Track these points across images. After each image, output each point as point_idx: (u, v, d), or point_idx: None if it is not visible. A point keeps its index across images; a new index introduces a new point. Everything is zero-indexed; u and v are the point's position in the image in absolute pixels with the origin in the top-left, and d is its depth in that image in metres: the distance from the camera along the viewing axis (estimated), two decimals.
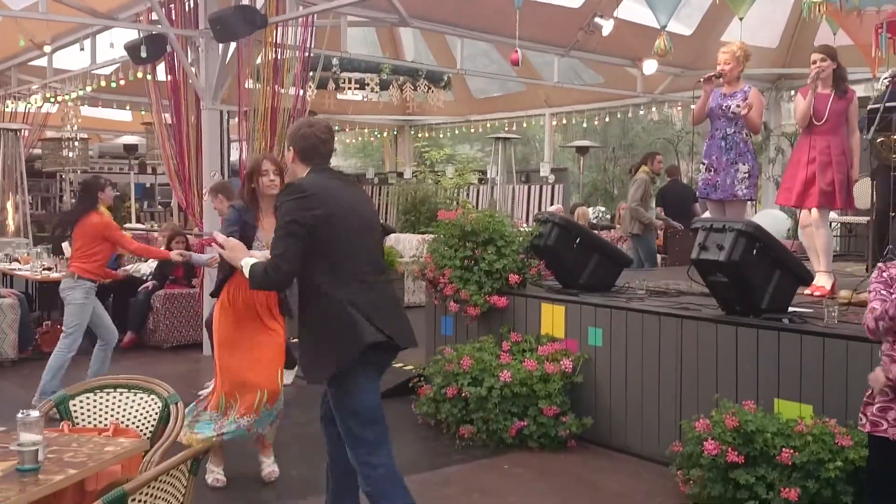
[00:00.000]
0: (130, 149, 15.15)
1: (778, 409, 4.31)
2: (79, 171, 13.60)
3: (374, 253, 3.57)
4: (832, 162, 5.53)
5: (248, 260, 3.39)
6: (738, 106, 5.84)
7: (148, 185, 17.87)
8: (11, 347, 7.62)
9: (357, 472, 3.37)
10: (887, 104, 6.09)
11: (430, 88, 13.96)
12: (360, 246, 3.43)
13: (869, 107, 6.54)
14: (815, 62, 5.72)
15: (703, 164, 6.08)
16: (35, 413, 2.65)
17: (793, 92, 10.76)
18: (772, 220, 8.90)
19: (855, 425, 3.89)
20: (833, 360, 4.16)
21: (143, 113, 15.17)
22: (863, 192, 6.75)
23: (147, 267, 8.98)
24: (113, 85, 10.85)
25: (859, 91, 10.17)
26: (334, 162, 17.06)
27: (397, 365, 7.02)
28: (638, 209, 9.62)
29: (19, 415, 2.65)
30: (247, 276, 3.37)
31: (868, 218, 6.90)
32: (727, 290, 4.72)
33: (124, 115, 16.47)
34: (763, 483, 3.96)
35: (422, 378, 5.99)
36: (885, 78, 7.78)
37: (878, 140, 5.79)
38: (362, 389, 3.34)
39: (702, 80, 6.03)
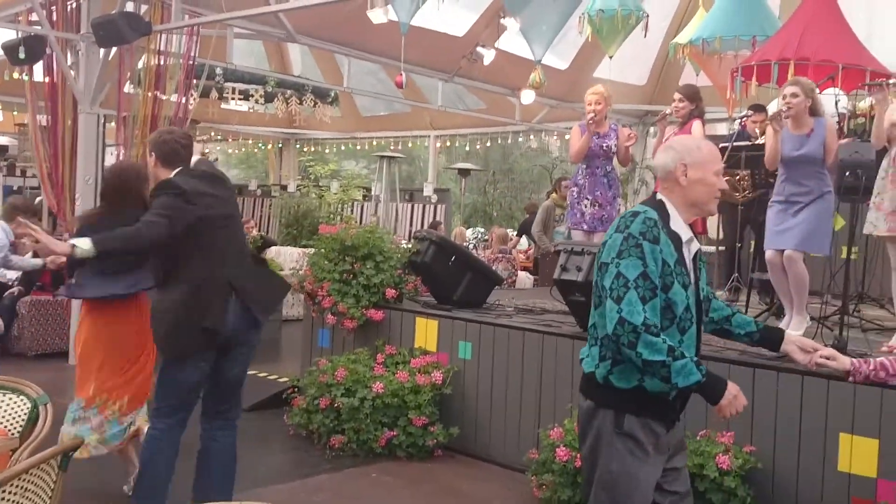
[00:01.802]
0: (0, 150, 14.50)
1: None
2: None
3: (241, 243, 3.98)
4: None
5: (77, 239, 3.57)
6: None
7: (16, 188, 17.10)
8: None
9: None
10: (735, 143, 6.64)
11: (316, 103, 14.08)
12: (229, 237, 3.82)
13: (720, 144, 7.09)
14: (673, 100, 6.23)
15: (588, 199, 6.43)
16: None
17: (652, 129, 11.49)
18: None
19: (693, 436, 4.29)
20: None
21: (15, 114, 14.58)
22: (713, 222, 7.32)
23: (13, 273, 8.66)
24: None
25: (721, 129, 11.00)
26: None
27: (272, 377, 7.10)
28: (541, 236, 10.13)
29: None
30: (88, 247, 3.48)
31: (717, 247, 7.48)
32: (584, 308, 5.06)
33: None
34: None
35: (296, 389, 6.10)
36: (738, 119, 8.49)
37: (724, 178, 6.28)
38: (189, 365, 3.76)
39: (589, 122, 6.28)
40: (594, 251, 4.94)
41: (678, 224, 2.72)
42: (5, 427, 3.28)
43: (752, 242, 7.22)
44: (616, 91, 6.91)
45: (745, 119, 7.64)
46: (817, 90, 5.31)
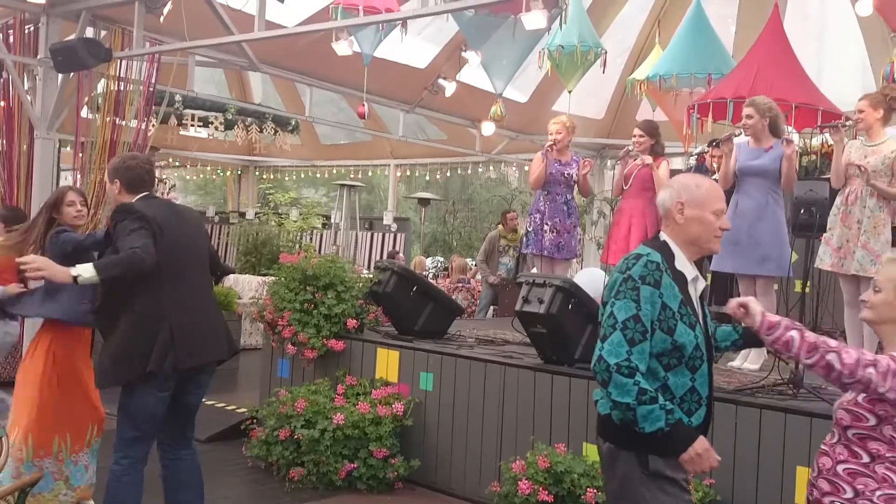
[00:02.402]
0: None
1: (586, 453, 4.70)
2: None
3: (201, 275, 3.91)
4: (636, 223, 6.16)
5: (79, 267, 3.48)
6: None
7: None
8: None
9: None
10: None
11: (276, 131, 14.06)
12: (180, 270, 3.74)
13: None
14: (634, 135, 6.37)
15: (548, 224, 6.54)
16: None
17: (615, 161, 11.69)
18: (592, 277, 9.56)
19: None
20: None
21: None
22: None
23: None
24: None
25: (677, 163, 11.23)
26: (174, 197, 16.60)
27: (230, 407, 7.00)
28: (483, 265, 10.45)
29: None
30: (91, 274, 3.43)
31: None
32: (546, 340, 5.13)
33: None
34: None
35: (255, 420, 6.02)
36: (694, 154, 8.68)
37: None
38: (146, 395, 3.69)
39: (546, 148, 6.53)
40: (556, 283, 5.00)
41: (682, 263, 2.71)
42: None
43: (709, 276, 7.36)
44: (574, 124, 7.05)
45: (703, 154, 7.82)
46: (776, 109, 5.45)
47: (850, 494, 2.46)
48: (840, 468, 2.50)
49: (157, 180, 3.95)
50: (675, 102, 9.58)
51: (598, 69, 9.97)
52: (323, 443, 5.36)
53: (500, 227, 10.98)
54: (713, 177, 7.10)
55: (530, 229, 6.71)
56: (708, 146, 7.98)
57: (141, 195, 3.78)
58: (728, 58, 9.29)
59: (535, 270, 7.80)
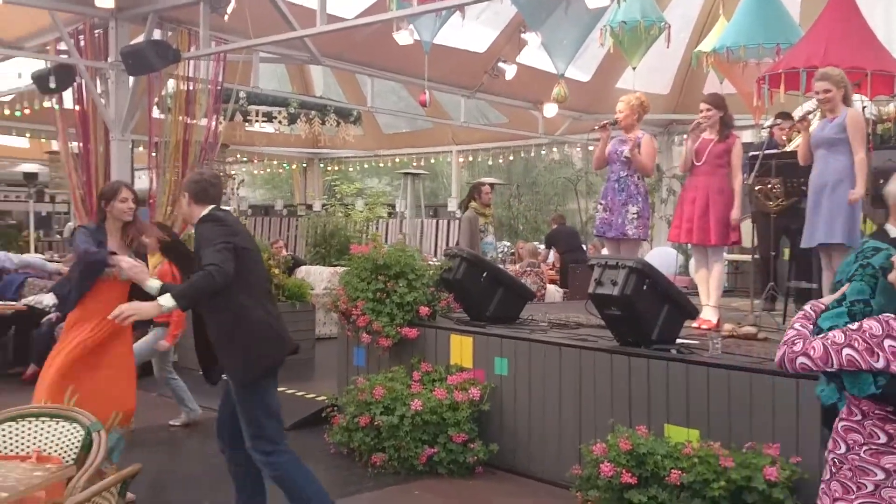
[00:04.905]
0: (31, 177, 14.76)
1: (667, 434, 4.65)
2: None
3: (266, 275, 4.33)
4: (709, 201, 6.02)
5: (154, 282, 3.84)
6: (629, 150, 6.31)
7: (44, 214, 17.38)
8: None
9: (262, 463, 3.93)
10: (766, 151, 6.63)
11: (339, 123, 14.20)
12: (262, 270, 4.16)
13: (750, 153, 7.08)
14: (701, 110, 6.23)
15: (601, 204, 6.50)
16: None
17: (684, 136, 11.47)
18: (663, 257, 9.44)
19: (738, 448, 4.28)
20: (717, 388, 4.54)
21: (42, 141, 14.82)
22: (748, 231, 7.29)
23: (49, 298, 8.79)
24: (18, 113, 10.65)
25: (746, 137, 10.97)
26: (242, 192, 16.98)
27: (309, 395, 7.14)
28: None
29: None
30: (172, 304, 3.66)
31: (751, 256, 7.44)
32: (621, 322, 5.08)
33: (20, 143, 16.04)
34: (655, 502, 4.27)
35: (335, 408, 6.13)
36: (766, 127, 8.45)
37: (757, 188, 6.28)
38: (269, 390, 3.98)
39: (597, 126, 6.47)
40: (629, 265, 4.94)
41: None
42: (60, 455, 3.34)
43: (787, 251, 7.18)
44: None
45: (772, 128, 7.61)
46: (846, 78, 5.45)
47: (843, 450, 2.61)
48: (839, 425, 2.64)
49: (224, 187, 4.23)
50: (743, 74, 9.35)
51: (661, 44, 9.80)
52: (402, 429, 5.43)
53: (473, 203, 8.91)
54: (784, 149, 6.93)
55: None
56: (777, 119, 7.77)
57: (209, 207, 4.03)
58: (796, 27, 9.03)
59: (604, 252, 7.74)
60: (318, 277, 10.90)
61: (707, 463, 4.22)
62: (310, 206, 17.20)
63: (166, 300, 3.66)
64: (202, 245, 3.85)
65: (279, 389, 7.09)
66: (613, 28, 9.27)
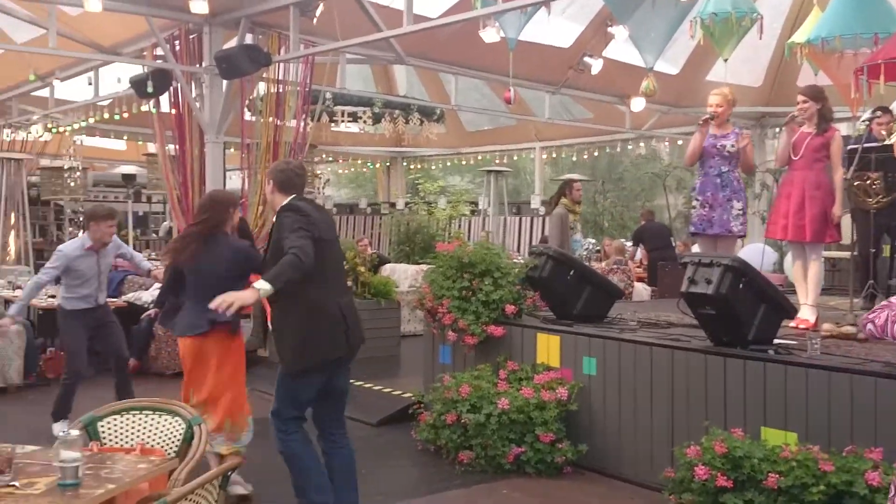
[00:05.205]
0: (129, 178, 15.36)
1: (764, 437, 4.51)
2: (80, 200, 13.79)
3: (343, 268, 4.40)
4: (806, 196, 5.80)
5: (256, 284, 3.86)
6: (734, 143, 6.13)
7: (141, 214, 18.08)
8: (17, 373, 7.75)
9: (275, 433, 4.14)
10: (865, 145, 6.36)
11: (422, 121, 14.30)
12: (337, 263, 4.24)
13: (849, 147, 6.81)
14: (798, 103, 6.02)
15: (698, 200, 6.31)
16: (75, 432, 2.84)
17: (777, 129, 11.11)
18: (756, 253, 9.16)
19: (838, 451, 4.13)
20: (816, 390, 4.38)
21: (139, 143, 15.42)
22: (847, 228, 7.01)
23: (148, 295, 9.12)
24: (116, 117, 11.09)
25: (844, 129, 10.55)
26: (328, 191, 17.29)
27: (395, 392, 7.22)
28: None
29: (60, 433, 2.84)
30: (269, 287, 3.76)
31: (850, 253, 7.16)
32: (715, 322, 4.95)
33: (118, 145, 16.73)
34: None
35: (421, 405, 6.17)
36: (864, 120, 8.10)
37: (855, 183, 6.03)
38: (308, 384, 4.10)
39: (700, 122, 6.27)
40: (725, 262, 4.82)
41: None
42: (163, 448, 3.46)
43: (887, 248, 6.87)
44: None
45: (870, 121, 7.31)
46: None
47: None
48: None
49: (309, 179, 4.33)
50: (839, 65, 8.97)
51: (753, 35, 9.49)
52: (489, 427, 5.43)
53: (564, 199, 8.85)
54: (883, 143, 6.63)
55: (691, 210, 6.48)
56: (873, 113, 7.46)
57: (291, 196, 4.13)
58: (894, 15, 8.62)
59: (696, 249, 7.56)
60: (403, 275, 11.01)
61: (806, 467, 4.10)
62: (393, 205, 17.38)
63: (261, 284, 3.78)
64: (282, 233, 3.96)
65: (366, 386, 7.28)
66: (704, 20, 9.00)
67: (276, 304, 4.09)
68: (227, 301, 3.77)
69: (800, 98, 6.04)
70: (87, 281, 6.08)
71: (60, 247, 6.27)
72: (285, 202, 4.10)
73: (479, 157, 17.93)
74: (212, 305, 3.82)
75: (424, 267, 9.58)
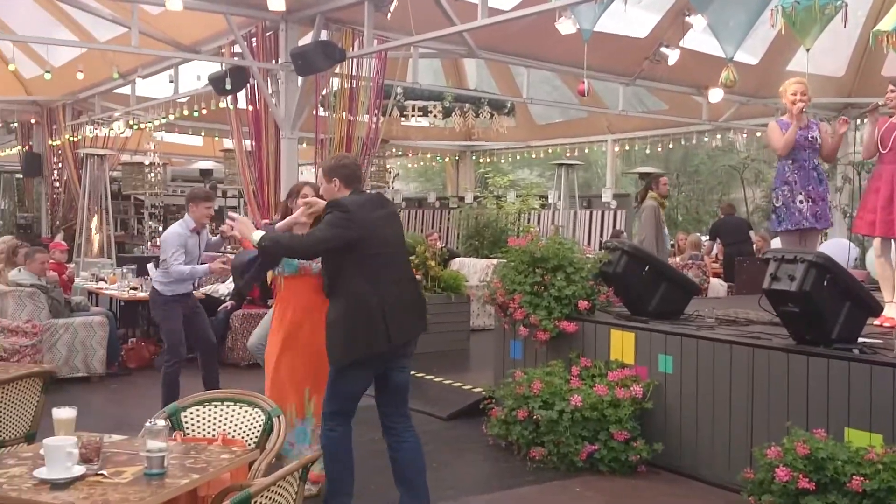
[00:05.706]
0: (206, 173, 15.74)
1: (848, 438, 4.37)
2: (160, 194, 14.20)
3: (399, 262, 4.29)
4: (893, 191, 5.58)
5: (257, 233, 4.13)
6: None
7: (217, 208, 18.48)
8: (100, 363, 8.03)
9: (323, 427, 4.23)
10: None
11: (492, 115, 14.25)
12: (388, 257, 4.15)
13: None
14: (888, 91, 5.81)
15: (801, 194, 6.18)
16: (161, 422, 2.92)
17: (860, 121, 10.71)
18: (840, 249, 8.87)
19: (891, 444, 3.96)
20: None
21: (216, 139, 15.77)
22: None
23: (225, 287, 9.34)
24: (195, 114, 11.37)
25: None
26: (397, 185, 17.46)
27: (466, 387, 7.23)
28: (653, 244, 8.70)
29: (147, 423, 2.93)
30: (258, 238, 4.05)
31: None
32: (798, 319, 4.80)
33: (195, 140, 17.15)
34: None
35: (492, 400, 6.16)
36: None
37: None
38: (355, 378, 4.13)
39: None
40: (809, 258, 4.67)
41: None
42: (242, 438, 3.54)
43: None
44: (813, 84, 6.62)
45: None
46: None
47: None
48: None
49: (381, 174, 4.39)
50: None
51: (836, 24, 9.16)
52: (562, 424, 5.38)
53: (652, 193, 9.03)
54: None
55: (779, 204, 6.29)
56: None
57: (353, 190, 4.23)
58: None
59: (775, 245, 7.36)
60: (472, 269, 11.01)
61: (892, 469, 3.98)
62: (462, 199, 17.38)
63: (257, 234, 4.09)
64: (320, 226, 4.12)
65: (436, 380, 7.29)
66: (786, 8, 8.71)
67: (328, 299, 4.19)
68: (238, 222, 4.22)
69: (890, 87, 5.82)
70: (190, 262, 6.15)
71: (166, 234, 6.24)
72: (334, 199, 4.18)
73: (550, 151, 17.79)
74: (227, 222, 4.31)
75: (494, 261, 9.55)
